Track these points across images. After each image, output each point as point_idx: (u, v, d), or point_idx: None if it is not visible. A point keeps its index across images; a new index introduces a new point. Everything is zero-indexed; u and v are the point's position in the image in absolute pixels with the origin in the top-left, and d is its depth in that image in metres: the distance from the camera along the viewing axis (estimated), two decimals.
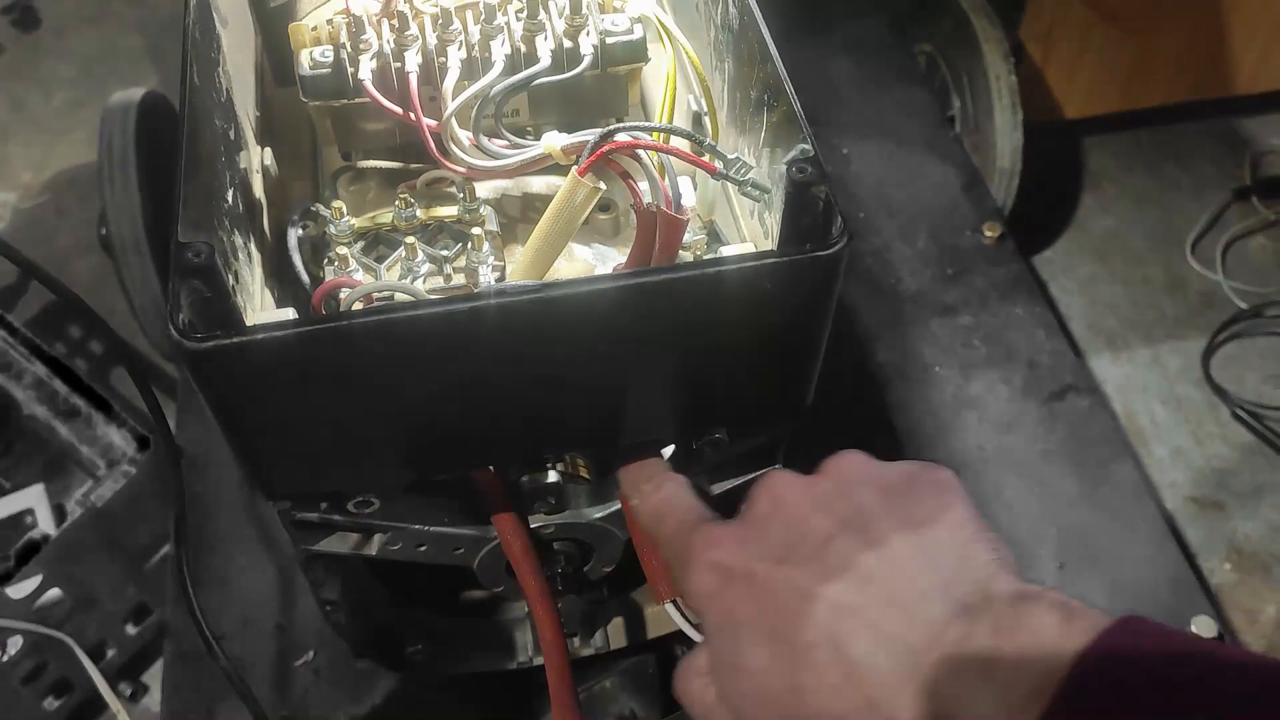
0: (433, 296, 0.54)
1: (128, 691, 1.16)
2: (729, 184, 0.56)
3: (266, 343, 0.44)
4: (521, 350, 0.49)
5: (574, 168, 0.55)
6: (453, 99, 0.58)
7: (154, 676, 1.17)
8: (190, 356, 0.44)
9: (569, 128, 0.58)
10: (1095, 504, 1.03)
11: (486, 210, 0.61)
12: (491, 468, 0.62)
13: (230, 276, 0.49)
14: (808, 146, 0.51)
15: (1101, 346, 1.48)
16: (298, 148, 0.71)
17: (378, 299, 0.54)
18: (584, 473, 0.64)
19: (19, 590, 1.01)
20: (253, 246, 0.59)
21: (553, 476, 0.62)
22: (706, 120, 0.65)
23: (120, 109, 1.21)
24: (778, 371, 0.54)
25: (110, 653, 1.13)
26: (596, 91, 0.64)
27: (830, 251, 0.48)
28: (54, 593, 1.03)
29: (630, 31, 0.61)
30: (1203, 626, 0.93)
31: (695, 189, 0.65)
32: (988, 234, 1.23)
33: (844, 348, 1.14)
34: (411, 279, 0.58)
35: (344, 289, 0.54)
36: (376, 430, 0.52)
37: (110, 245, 1.20)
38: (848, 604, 0.39)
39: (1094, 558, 0.99)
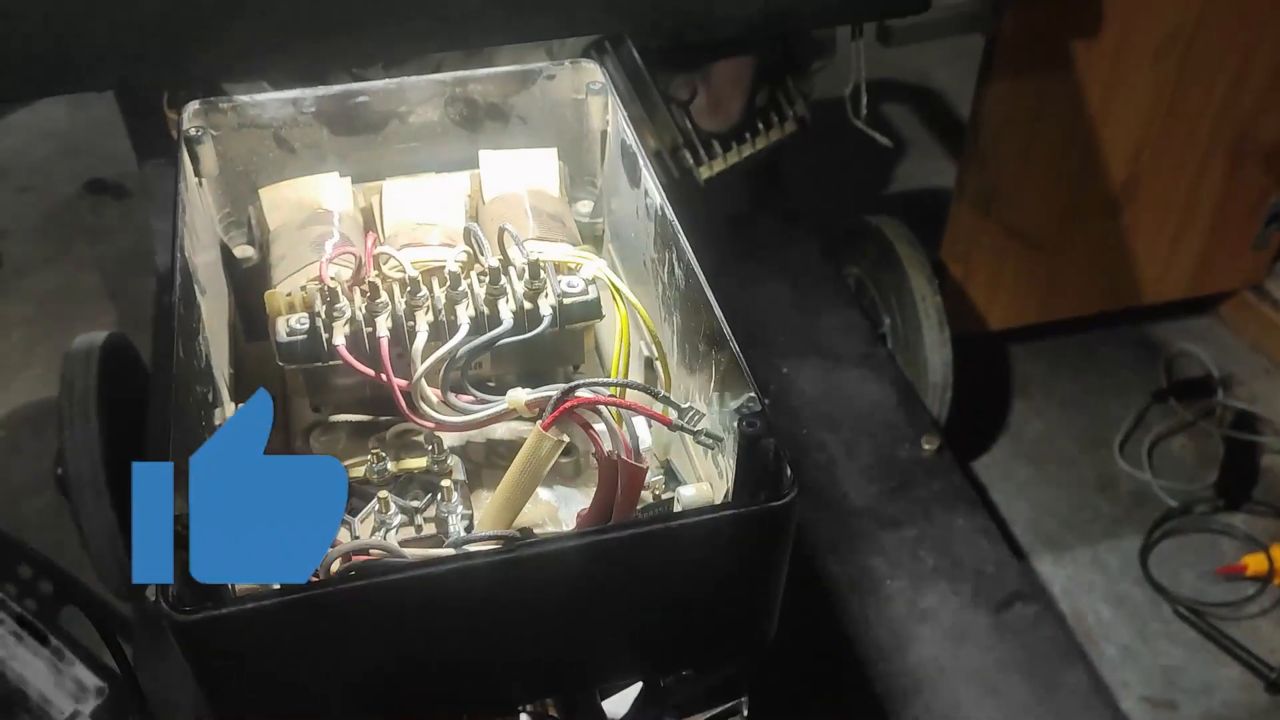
0: (408, 551, 0.56)
1: None
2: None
3: (255, 611, 0.47)
4: (496, 604, 0.52)
5: (538, 423, 0.58)
6: (421, 361, 0.62)
7: None
8: (179, 629, 0.46)
9: (529, 376, 0.63)
10: (1050, 710, 1.05)
11: (454, 460, 0.65)
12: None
13: None
14: (754, 398, 0.55)
15: (1044, 549, 1.52)
16: None
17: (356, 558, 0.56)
18: (553, 712, 0.66)
19: None
20: None
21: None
22: (658, 365, 0.69)
23: (83, 352, 1.24)
24: (738, 612, 0.57)
25: None
26: (555, 345, 0.69)
27: (783, 502, 0.52)
28: None
29: (585, 292, 0.66)
30: None
31: (651, 429, 0.69)
32: (926, 446, 1.29)
33: (798, 563, 1.17)
34: (385, 531, 0.60)
35: None
36: (354, 684, 0.54)
37: (67, 485, 1.20)
38: None
39: None
